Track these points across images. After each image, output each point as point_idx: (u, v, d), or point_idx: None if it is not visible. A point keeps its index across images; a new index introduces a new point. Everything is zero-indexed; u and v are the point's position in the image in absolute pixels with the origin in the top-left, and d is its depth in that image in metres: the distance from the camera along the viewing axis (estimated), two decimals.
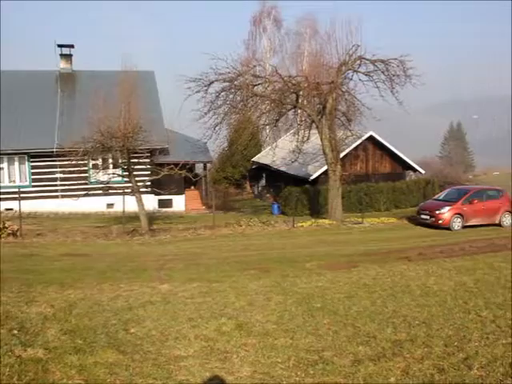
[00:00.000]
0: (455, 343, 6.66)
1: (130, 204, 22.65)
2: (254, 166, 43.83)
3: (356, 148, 33.35)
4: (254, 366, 6.02)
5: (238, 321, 7.69)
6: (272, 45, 52.67)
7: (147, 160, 26.72)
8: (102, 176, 23.89)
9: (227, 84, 24.00)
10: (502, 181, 44.30)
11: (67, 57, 33.81)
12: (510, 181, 37.96)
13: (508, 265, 12.06)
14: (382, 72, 23.94)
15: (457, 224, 22.59)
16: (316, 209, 28.59)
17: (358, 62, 24.30)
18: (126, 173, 23.09)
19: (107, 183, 23.49)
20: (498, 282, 10.19)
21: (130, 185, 22.80)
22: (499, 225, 23.24)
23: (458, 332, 7.11)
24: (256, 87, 25.07)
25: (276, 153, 29.04)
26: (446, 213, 22.70)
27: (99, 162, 26.43)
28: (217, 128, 24.66)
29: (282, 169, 35.15)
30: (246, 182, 46.44)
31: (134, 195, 22.20)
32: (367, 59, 24.05)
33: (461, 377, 5.65)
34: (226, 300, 8.93)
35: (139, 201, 21.95)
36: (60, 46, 33.58)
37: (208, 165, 37.18)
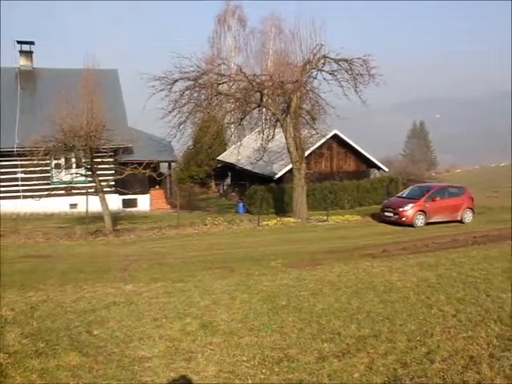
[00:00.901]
0: (418, 338, 6.77)
1: (93, 204, 22.34)
2: (219, 165, 43.76)
3: (320, 146, 33.60)
4: (219, 365, 6.01)
5: (203, 320, 7.66)
6: (237, 43, 52.74)
7: (111, 159, 26.45)
8: (64, 176, 23.52)
9: (191, 82, 23.86)
10: (463, 178, 45.35)
11: (27, 54, 33.07)
12: (469, 178, 38.82)
13: (469, 260, 12.32)
14: (346, 71, 24.13)
15: (420, 221, 22.96)
16: (281, 207, 28.68)
17: (322, 61, 24.42)
18: (90, 172, 22.79)
19: (70, 183, 23.14)
20: (460, 277, 10.39)
21: (93, 184, 22.48)
22: (461, 221, 23.75)
23: (421, 327, 7.23)
24: (220, 86, 25.01)
25: (241, 151, 29.04)
26: (409, 210, 23.03)
27: (62, 161, 25.98)
28: (181, 127, 24.52)
29: (247, 167, 35.14)
30: (211, 180, 46.35)
31: (97, 195, 21.92)
32: (331, 58, 24.20)
33: (423, 370, 5.75)
34: (190, 299, 8.89)
35: (103, 200, 21.67)
36: (20, 42, 32.83)
37: (173, 164, 36.94)
